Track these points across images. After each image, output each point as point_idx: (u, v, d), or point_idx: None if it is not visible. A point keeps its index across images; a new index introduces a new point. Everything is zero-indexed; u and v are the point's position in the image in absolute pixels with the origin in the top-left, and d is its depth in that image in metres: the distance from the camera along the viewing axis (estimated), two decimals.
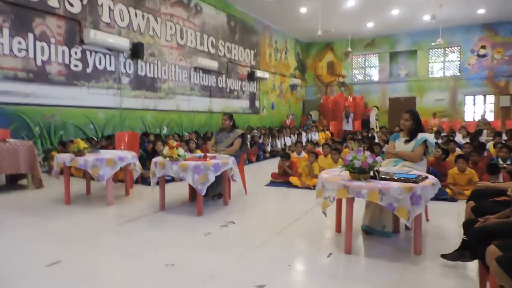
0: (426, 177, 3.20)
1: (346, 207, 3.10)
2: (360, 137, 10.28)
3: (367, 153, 3.12)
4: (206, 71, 11.46)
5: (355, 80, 18.07)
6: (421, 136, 3.84)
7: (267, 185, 6.09)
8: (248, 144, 9.03)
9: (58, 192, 5.05)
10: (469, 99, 15.99)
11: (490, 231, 2.14)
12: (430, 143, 3.83)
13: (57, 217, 4.08)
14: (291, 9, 13.04)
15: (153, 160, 4.35)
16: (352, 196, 3.00)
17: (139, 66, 9.15)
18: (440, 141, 8.60)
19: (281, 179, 6.17)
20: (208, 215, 4.21)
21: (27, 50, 6.80)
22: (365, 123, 14.46)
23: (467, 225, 2.45)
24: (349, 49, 15.54)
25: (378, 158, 3.16)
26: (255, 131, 10.98)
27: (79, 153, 4.51)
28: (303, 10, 13.08)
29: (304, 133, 12.45)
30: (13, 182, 5.77)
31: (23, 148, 5.30)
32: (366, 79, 17.89)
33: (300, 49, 18.12)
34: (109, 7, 8.29)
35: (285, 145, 10.77)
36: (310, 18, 13.59)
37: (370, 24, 15.15)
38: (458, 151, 6.76)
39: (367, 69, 17.90)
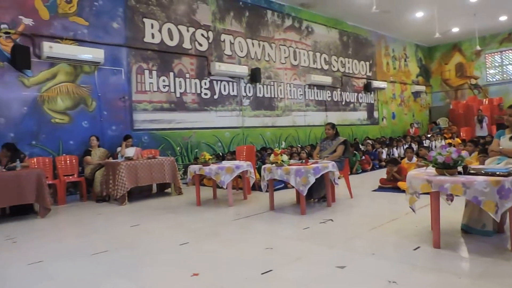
0: None
1: (432, 202, 3.21)
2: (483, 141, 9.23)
3: (452, 148, 3.19)
4: (320, 86, 12.00)
5: (491, 80, 16.12)
6: None
7: (374, 190, 6.22)
8: (361, 152, 9.17)
9: (192, 198, 6.19)
10: None
11: None
12: None
13: (189, 214, 5.11)
14: (406, 15, 12.70)
15: (262, 166, 5.07)
16: (436, 190, 3.10)
17: (258, 88, 10.27)
18: None
19: (390, 185, 6.21)
20: (311, 214, 4.68)
21: (169, 86, 8.47)
22: (502, 127, 12.79)
23: None
24: (478, 47, 14.09)
25: (465, 153, 3.20)
26: (369, 140, 10.93)
27: (205, 163, 5.55)
28: (419, 14, 12.59)
29: (427, 141, 11.78)
30: (161, 190, 7.26)
31: (167, 162, 6.68)
32: (505, 78, 15.79)
33: (422, 54, 17.15)
34: (230, 42, 9.66)
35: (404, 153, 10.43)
36: (429, 20, 12.92)
37: (503, 18, 13.53)
38: None
39: (505, 67, 15.79)
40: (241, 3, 10.00)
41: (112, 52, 7.53)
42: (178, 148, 8.60)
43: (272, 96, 10.66)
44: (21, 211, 5.55)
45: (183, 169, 8.41)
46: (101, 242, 3.93)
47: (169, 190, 7.07)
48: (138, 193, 6.93)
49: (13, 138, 6.26)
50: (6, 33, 6.33)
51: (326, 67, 12.32)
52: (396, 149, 10.51)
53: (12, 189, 5.07)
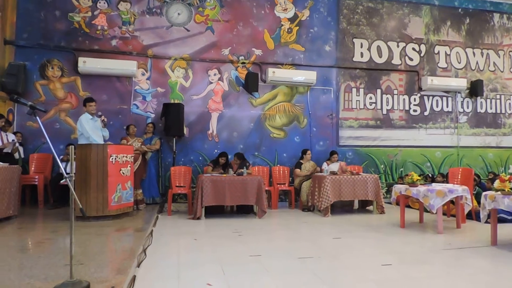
0: None
1: None
2: None
3: None
4: None
5: None
6: None
7: None
8: None
9: (395, 218, 5.95)
10: None
11: None
12: None
13: (392, 235, 4.94)
14: None
15: (483, 193, 4.42)
16: None
17: (478, 103, 9.01)
18: None
19: None
20: None
21: (375, 103, 8.46)
22: None
23: None
24: None
25: None
26: None
27: (413, 184, 5.24)
28: None
29: None
30: (363, 207, 7.26)
31: (370, 180, 6.65)
32: None
33: None
34: (445, 53, 8.86)
35: None
36: None
37: None
38: None
39: None
40: (460, 10, 9.05)
41: (323, 73, 8.14)
42: (382, 166, 8.43)
43: (498, 111, 9.11)
44: (244, 211, 6.62)
45: (386, 188, 8.18)
46: (306, 248, 4.28)
47: (370, 207, 7.01)
48: (340, 207, 7.15)
49: (242, 149, 7.60)
50: (242, 63, 7.82)
51: None
52: None
53: (239, 191, 6.13)
